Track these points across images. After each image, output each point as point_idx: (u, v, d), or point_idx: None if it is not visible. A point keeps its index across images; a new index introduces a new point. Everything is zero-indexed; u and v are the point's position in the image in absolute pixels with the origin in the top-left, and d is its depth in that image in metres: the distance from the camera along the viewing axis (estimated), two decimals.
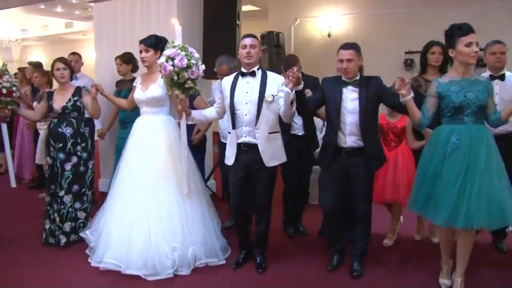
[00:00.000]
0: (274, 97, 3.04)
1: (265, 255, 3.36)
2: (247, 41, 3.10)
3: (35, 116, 3.98)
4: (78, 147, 3.71)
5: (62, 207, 3.67)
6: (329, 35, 7.23)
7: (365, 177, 3.11)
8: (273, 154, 3.13)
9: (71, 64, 4.00)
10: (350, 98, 3.08)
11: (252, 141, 3.10)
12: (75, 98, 3.73)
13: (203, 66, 3.08)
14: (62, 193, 3.66)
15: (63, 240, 3.66)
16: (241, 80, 3.14)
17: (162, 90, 3.40)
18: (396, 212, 3.74)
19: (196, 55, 3.03)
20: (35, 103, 4.70)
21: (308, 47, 7.23)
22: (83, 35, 11.87)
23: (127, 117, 4.17)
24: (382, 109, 3.39)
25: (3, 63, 3.82)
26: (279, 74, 3.27)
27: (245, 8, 7.17)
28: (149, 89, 3.44)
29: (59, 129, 3.68)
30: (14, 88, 3.70)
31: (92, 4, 5.57)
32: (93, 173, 3.84)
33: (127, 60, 4.47)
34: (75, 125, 3.71)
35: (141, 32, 4.37)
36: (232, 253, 3.46)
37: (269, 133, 3.11)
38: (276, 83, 3.09)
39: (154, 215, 3.21)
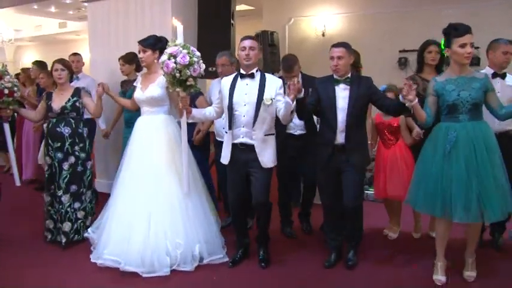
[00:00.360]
0: (272, 101, 3.07)
1: (268, 251, 3.38)
2: (247, 43, 3.12)
3: (35, 117, 3.98)
4: (76, 147, 3.73)
5: (61, 207, 3.68)
6: (323, 34, 7.25)
7: (350, 172, 3.16)
8: (268, 155, 3.17)
9: (71, 65, 3.99)
10: (342, 95, 3.15)
11: (248, 141, 3.13)
12: (75, 99, 3.75)
13: (204, 65, 3.10)
14: (60, 193, 3.68)
15: (64, 240, 3.67)
16: (240, 82, 3.16)
17: (161, 90, 3.43)
18: (396, 207, 3.79)
19: (198, 53, 3.06)
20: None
21: (302, 46, 7.24)
22: (76, 35, 11.82)
23: (132, 117, 4.14)
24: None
25: (3, 65, 3.83)
26: (274, 73, 3.30)
27: (239, 7, 7.16)
28: (148, 89, 3.46)
29: (57, 129, 3.70)
30: (15, 88, 3.70)
31: (85, 4, 5.56)
32: (91, 173, 3.85)
33: (129, 60, 4.43)
34: (73, 125, 3.73)
35: (136, 32, 4.38)
36: (228, 252, 3.46)
37: (265, 135, 3.14)
38: (275, 85, 3.13)
39: (156, 212, 3.23)
